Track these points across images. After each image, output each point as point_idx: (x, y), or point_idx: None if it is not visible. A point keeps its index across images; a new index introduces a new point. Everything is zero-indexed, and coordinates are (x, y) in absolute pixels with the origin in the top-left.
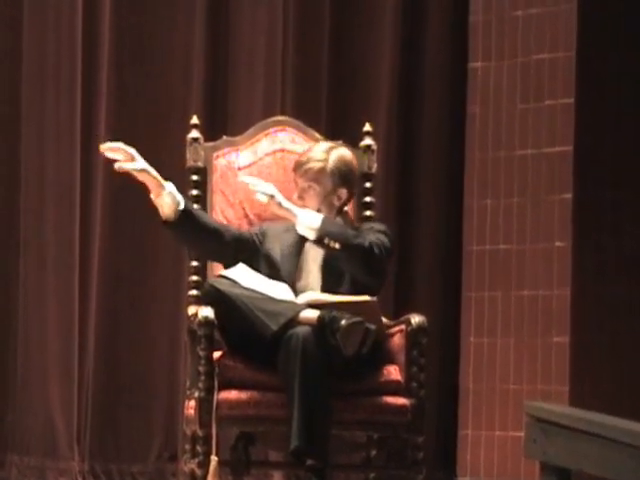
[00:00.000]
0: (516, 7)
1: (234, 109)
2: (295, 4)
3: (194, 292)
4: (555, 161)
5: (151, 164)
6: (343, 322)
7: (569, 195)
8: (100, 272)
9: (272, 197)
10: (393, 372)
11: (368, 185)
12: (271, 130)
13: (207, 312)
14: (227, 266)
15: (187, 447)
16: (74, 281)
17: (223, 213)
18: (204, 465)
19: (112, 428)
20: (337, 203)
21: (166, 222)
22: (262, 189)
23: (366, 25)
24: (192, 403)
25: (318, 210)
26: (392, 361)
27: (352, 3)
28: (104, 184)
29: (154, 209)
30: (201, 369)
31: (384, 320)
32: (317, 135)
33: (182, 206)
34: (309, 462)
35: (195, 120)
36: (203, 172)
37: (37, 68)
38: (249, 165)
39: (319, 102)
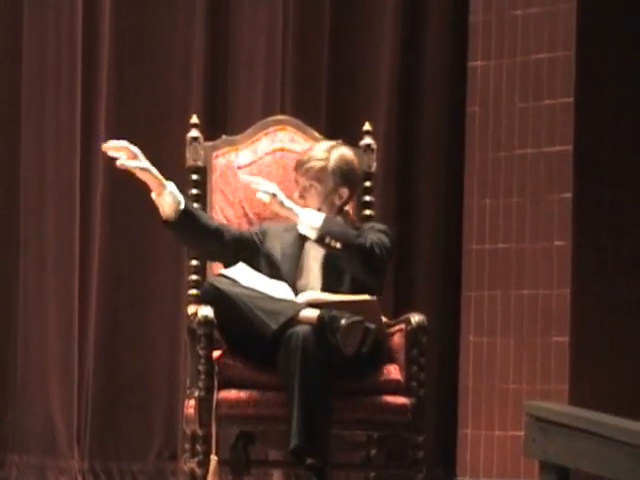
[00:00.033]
0: (515, 7)
1: (234, 109)
2: (295, 4)
3: (194, 291)
4: (554, 160)
5: (151, 164)
6: (343, 321)
7: (568, 194)
8: (100, 272)
9: (274, 196)
10: (393, 371)
11: (368, 184)
12: (271, 129)
13: (207, 311)
14: (227, 265)
15: (187, 446)
16: (74, 281)
17: (223, 212)
18: (204, 464)
19: (112, 428)
20: (338, 202)
21: (167, 222)
22: (264, 188)
23: (366, 25)
24: (192, 402)
25: (319, 209)
26: (392, 360)
27: (352, 3)
28: (104, 184)
29: (154, 209)
30: (201, 368)
31: (384, 319)
32: (317, 134)
33: (183, 206)
34: (309, 461)
35: (195, 119)
36: (203, 171)
37: (37, 68)
38: (249, 164)
39: (319, 102)
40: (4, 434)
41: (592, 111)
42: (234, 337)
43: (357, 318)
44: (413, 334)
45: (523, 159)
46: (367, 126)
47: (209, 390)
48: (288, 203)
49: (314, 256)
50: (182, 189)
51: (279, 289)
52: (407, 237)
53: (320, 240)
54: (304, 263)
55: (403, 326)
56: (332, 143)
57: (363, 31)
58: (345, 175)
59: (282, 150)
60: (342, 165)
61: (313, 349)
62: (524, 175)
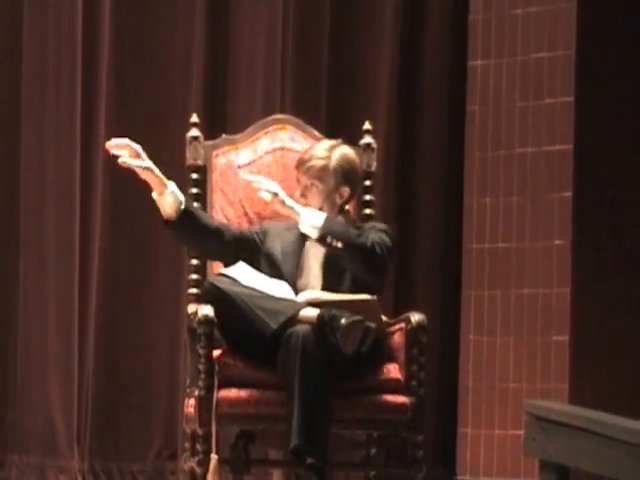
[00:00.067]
0: (516, 6)
1: (234, 109)
2: (295, 4)
3: (194, 290)
4: (554, 159)
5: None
6: (343, 321)
7: (568, 193)
8: (100, 272)
9: (276, 195)
10: (393, 370)
11: (368, 183)
12: (271, 128)
13: (207, 310)
14: (227, 265)
15: (187, 445)
16: (74, 281)
17: (223, 211)
18: (204, 463)
19: (112, 428)
20: (339, 201)
21: (167, 221)
22: (266, 187)
23: (366, 25)
24: (192, 401)
25: (320, 208)
26: (392, 359)
27: (352, 3)
28: (104, 184)
29: (154, 209)
30: (201, 367)
31: (384, 318)
32: (317, 133)
33: (184, 206)
34: (309, 460)
35: (195, 118)
36: (203, 170)
37: (37, 68)
38: (249, 163)
39: (319, 102)
40: (4, 434)
41: (592, 110)
42: (234, 336)
43: (357, 317)
44: (413, 333)
45: (523, 158)
46: (367, 125)
47: (209, 389)
48: (289, 202)
49: (314, 255)
50: (182, 188)
51: (279, 288)
52: (407, 236)
53: (321, 239)
54: (304, 262)
55: (403, 325)
56: (333, 142)
57: (363, 31)
58: (346, 174)
59: (282, 149)
60: (344, 164)
61: (313, 348)
62: (524, 174)
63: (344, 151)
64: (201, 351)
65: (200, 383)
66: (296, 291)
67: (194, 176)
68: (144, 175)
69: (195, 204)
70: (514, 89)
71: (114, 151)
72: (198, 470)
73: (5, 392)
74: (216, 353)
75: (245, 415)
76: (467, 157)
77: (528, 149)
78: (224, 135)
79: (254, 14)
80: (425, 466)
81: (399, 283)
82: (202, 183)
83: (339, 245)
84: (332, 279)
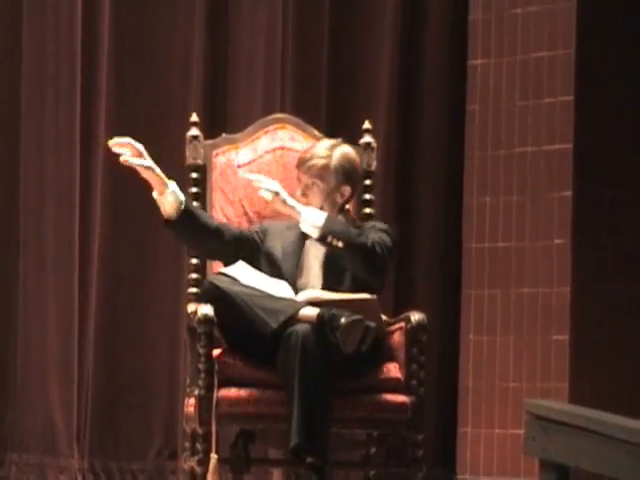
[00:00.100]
0: (515, 5)
1: (234, 109)
2: (295, 4)
3: (194, 290)
4: (554, 159)
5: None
6: (343, 320)
7: (568, 193)
8: (100, 272)
9: (277, 194)
10: (393, 370)
11: (368, 183)
12: (271, 127)
13: (207, 310)
14: (227, 264)
15: (187, 445)
16: (74, 281)
17: (223, 211)
18: (204, 463)
19: (112, 427)
20: (340, 200)
21: (167, 221)
22: (266, 186)
23: (366, 25)
24: (192, 401)
25: (321, 207)
26: (392, 359)
27: (352, 3)
28: (104, 184)
29: (154, 209)
30: (201, 367)
31: (384, 318)
32: (317, 132)
33: (184, 205)
34: (309, 460)
35: (195, 118)
36: (202, 170)
37: (37, 68)
38: (249, 163)
39: (319, 102)
40: (4, 434)
41: (592, 109)
42: (234, 335)
43: (357, 317)
44: (413, 332)
45: (523, 157)
46: (367, 124)
47: (209, 388)
48: (290, 201)
49: (315, 254)
50: (182, 187)
51: (279, 287)
52: (407, 236)
53: (322, 239)
54: (305, 262)
55: (403, 324)
56: (334, 141)
57: (363, 31)
58: (347, 173)
59: (282, 149)
60: (344, 163)
61: (313, 348)
62: (524, 173)
63: (345, 150)
64: (201, 350)
65: (200, 382)
66: (296, 290)
67: (194, 175)
68: (145, 174)
69: (195, 203)
70: (514, 88)
71: (116, 149)
72: (198, 469)
73: (5, 392)
74: (216, 352)
75: (245, 414)
76: (467, 157)
77: (528, 148)
78: (224, 134)
79: (254, 14)
80: (425, 465)
81: (399, 282)
82: (202, 182)
83: (340, 244)
84: (332, 278)
